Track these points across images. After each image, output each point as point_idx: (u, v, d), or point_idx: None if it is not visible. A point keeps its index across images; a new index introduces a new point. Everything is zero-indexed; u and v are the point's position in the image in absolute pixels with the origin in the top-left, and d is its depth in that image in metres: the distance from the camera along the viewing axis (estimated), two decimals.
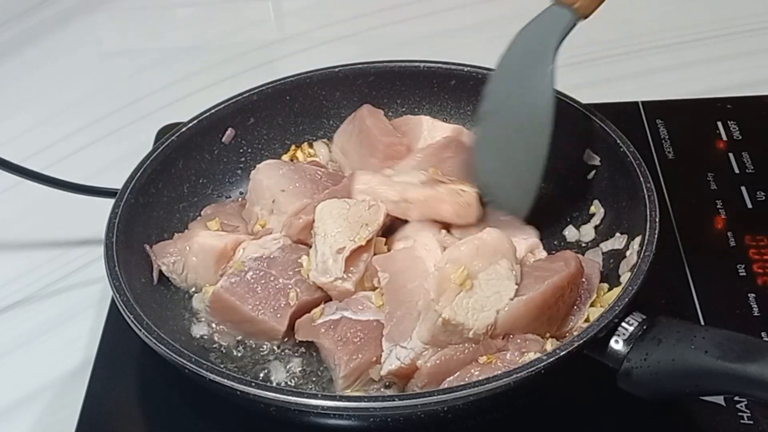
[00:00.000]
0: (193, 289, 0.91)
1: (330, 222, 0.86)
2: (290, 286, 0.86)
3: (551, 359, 0.75)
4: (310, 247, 0.88)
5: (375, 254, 0.86)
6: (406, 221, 0.89)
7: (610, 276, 0.88)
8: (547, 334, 0.82)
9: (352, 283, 0.85)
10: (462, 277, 0.80)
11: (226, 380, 0.75)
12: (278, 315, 0.85)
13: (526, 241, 0.90)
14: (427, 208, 0.89)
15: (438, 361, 0.80)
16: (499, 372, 0.75)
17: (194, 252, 0.90)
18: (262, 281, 0.86)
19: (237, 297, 0.86)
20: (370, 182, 0.90)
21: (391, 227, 0.90)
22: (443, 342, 0.80)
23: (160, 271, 0.90)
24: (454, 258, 0.81)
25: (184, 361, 0.77)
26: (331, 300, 0.86)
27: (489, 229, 0.84)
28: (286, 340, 0.86)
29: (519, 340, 0.80)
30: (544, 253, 0.90)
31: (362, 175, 0.91)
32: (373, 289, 0.86)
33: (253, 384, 0.76)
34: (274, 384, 0.83)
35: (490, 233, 0.83)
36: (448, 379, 0.79)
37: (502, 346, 0.80)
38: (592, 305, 0.85)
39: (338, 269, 0.84)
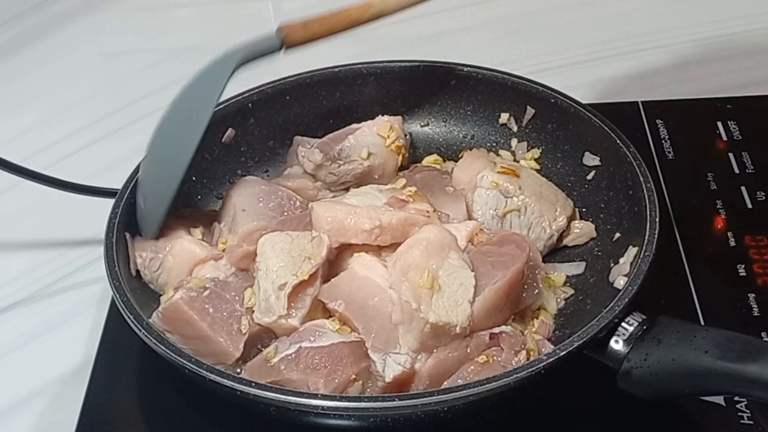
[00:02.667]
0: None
1: (272, 257, 0.84)
2: (242, 314, 0.84)
3: (551, 359, 0.75)
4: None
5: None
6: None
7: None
8: (512, 315, 0.83)
9: (298, 320, 0.82)
10: (429, 281, 0.80)
11: (226, 380, 0.75)
12: (234, 339, 0.83)
13: (466, 226, 0.88)
14: (399, 233, 0.85)
15: (435, 362, 0.80)
16: (499, 372, 0.75)
17: (174, 253, 0.89)
18: (218, 303, 0.84)
19: (196, 312, 0.83)
20: (336, 216, 0.85)
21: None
22: (433, 346, 0.80)
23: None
24: (411, 264, 0.81)
25: (184, 361, 0.77)
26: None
27: (427, 227, 0.84)
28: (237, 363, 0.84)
29: (512, 338, 0.81)
30: (485, 234, 0.88)
31: (321, 208, 0.86)
32: (326, 317, 0.84)
33: (253, 384, 0.76)
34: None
35: (430, 230, 0.84)
36: (448, 379, 0.79)
37: (491, 343, 0.81)
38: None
39: (281, 306, 0.82)
